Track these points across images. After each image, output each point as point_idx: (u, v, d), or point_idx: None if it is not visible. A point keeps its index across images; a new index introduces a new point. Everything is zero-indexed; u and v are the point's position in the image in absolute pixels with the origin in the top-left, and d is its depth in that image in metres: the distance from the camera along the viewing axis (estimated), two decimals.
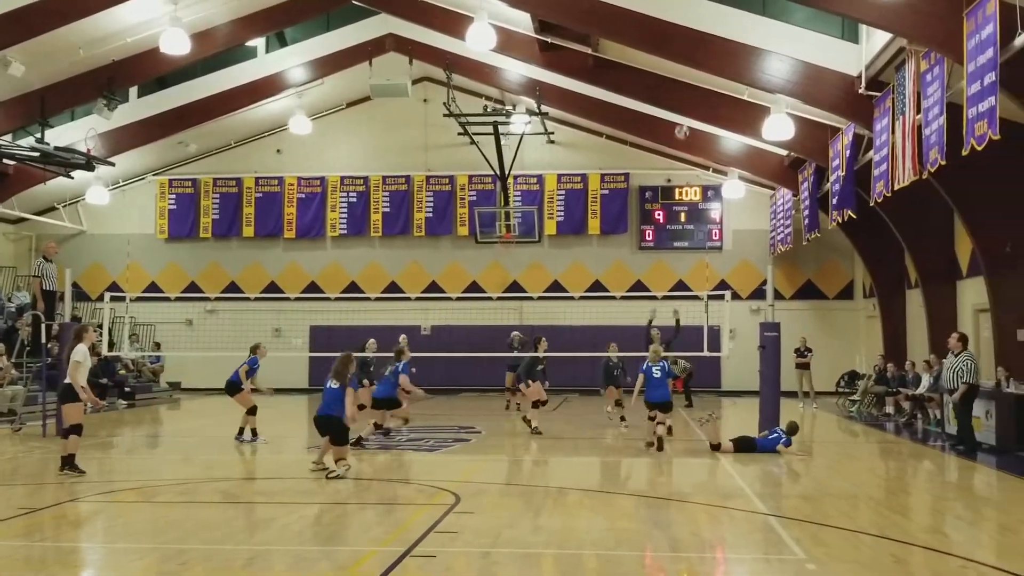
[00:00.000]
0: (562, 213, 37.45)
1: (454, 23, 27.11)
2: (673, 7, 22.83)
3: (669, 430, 19.67)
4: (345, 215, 38.25)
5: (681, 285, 35.73)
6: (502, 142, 31.57)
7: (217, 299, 36.65)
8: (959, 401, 19.22)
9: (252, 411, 20.37)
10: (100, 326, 25.18)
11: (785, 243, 33.13)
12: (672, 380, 19.40)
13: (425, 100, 37.16)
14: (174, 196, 38.88)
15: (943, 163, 17.03)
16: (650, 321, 23.29)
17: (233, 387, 20.59)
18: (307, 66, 33.39)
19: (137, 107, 32.76)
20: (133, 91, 32.39)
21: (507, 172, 32.77)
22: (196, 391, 36.07)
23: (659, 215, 37.27)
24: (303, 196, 38.41)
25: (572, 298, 35.17)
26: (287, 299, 36.21)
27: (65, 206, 37.95)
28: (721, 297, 24.19)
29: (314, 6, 30.04)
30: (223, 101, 33.37)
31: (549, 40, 26.51)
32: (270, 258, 38.59)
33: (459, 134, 32.23)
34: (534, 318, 35.09)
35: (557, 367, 26.01)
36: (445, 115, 29.81)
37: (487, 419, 25.51)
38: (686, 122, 29.94)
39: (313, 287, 37.62)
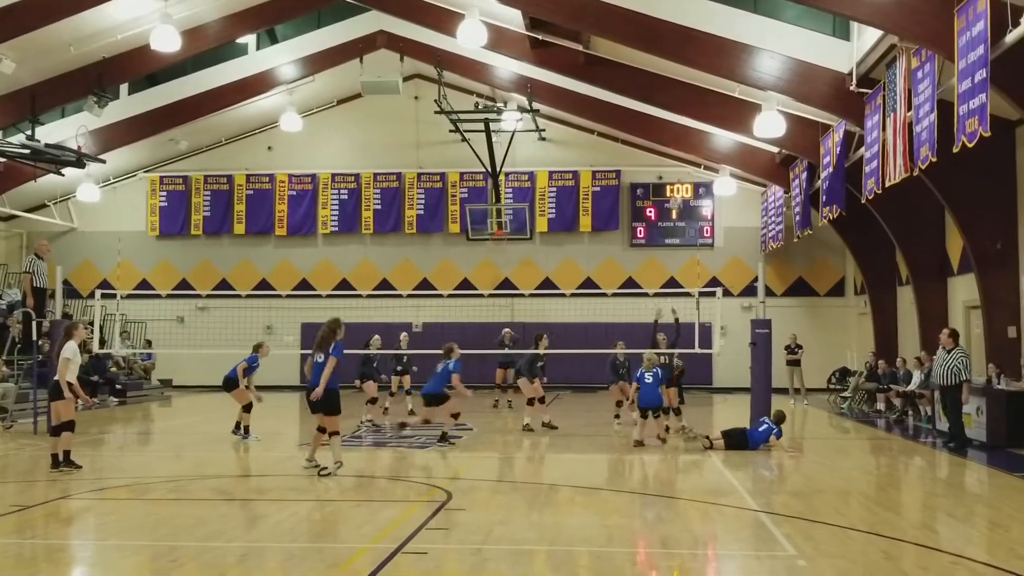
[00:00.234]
0: (553, 210, 37.46)
1: (445, 20, 27.08)
2: (664, 4, 22.81)
3: (667, 428, 19.81)
4: (336, 212, 38.24)
5: (673, 282, 35.75)
6: (493, 139, 31.61)
7: (208, 296, 36.67)
8: (957, 398, 19.15)
9: (247, 408, 20.34)
10: (91, 323, 25.12)
11: (776, 240, 33.16)
12: (665, 386, 19.52)
13: (416, 97, 37.17)
14: (165, 193, 38.84)
15: (934, 160, 17.05)
16: (655, 321, 23.27)
17: (230, 383, 20.55)
18: (298, 63, 33.35)
19: (128, 104, 32.67)
20: (124, 88, 32.28)
21: (498, 169, 32.79)
22: (187, 388, 36.06)
23: (650, 212, 37.29)
24: (294, 193, 38.39)
25: (564, 295, 35.19)
26: (278, 296, 36.21)
27: (56, 203, 37.88)
28: (712, 294, 24.25)
29: (305, 3, 29.95)
30: (214, 98, 33.31)
31: (540, 37, 26.48)
32: (261, 255, 38.56)
33: (450, 131, 32.28)
34: (526, 315, 35.18)
35: (549, 364, 25.99)
36: (436, 112, 29.83)
37: (478, 416, 25.50)
38: (679, 120, 29.93)
39: (304, 284, 37.61)
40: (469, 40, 25.30)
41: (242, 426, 20.25)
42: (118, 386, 30.57)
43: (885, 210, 26.20)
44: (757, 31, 22.77)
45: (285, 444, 20.43)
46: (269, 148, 38.60)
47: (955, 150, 15.71)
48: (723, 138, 30.96)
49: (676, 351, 21.86)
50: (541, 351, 22.75)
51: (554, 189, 37.50)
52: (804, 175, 28.20)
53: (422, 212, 37.96)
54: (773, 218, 33.54)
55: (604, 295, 34.73)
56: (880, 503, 13.49)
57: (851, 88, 21.39)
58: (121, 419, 26.08)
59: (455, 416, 19.86)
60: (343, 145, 38.44)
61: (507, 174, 35.83)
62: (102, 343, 25.97)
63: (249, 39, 32.64)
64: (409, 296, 35.87)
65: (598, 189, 37.36)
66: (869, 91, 20.88)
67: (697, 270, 33.13)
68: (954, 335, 19.55)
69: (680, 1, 22.95)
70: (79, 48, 26.41)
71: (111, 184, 38.29)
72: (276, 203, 38.41)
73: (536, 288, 36.33)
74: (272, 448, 19.36)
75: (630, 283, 36.43)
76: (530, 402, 22.19)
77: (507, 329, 28.96)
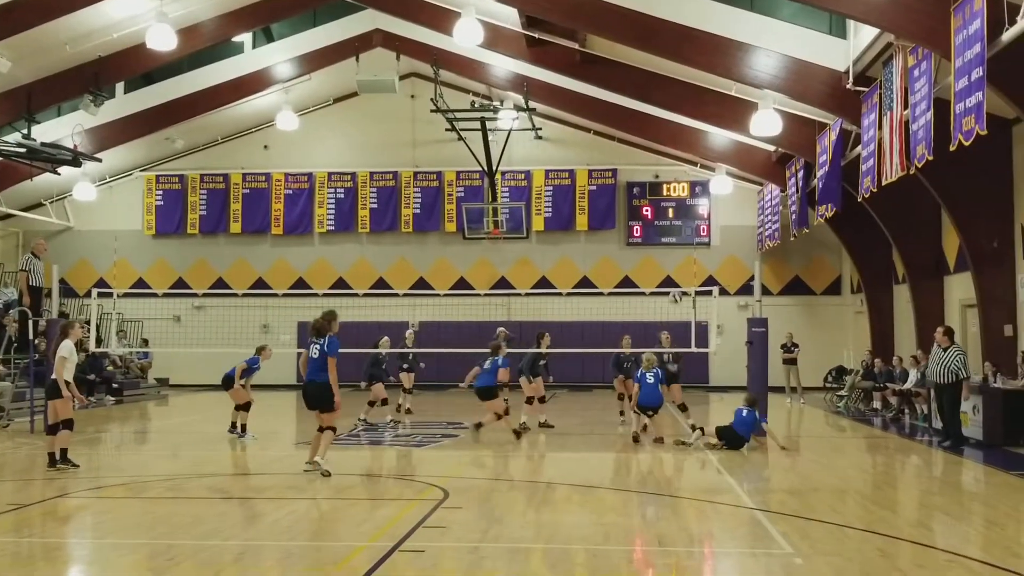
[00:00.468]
0: (550, 209, 37.47)
1: (441, 18, 27.06)
2: (660, 2, 22.81)
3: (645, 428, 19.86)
4: (332, 211, 38.25)
5: (669, 281, 35.75)
6: (490, 138, 31.59)
7: (205, 295, 36.60)
8: (956, 396, 19.12)
9: (245, 407, 20.33)
10: (87, 322, 25.11)
11: (773, 239, 33.17)
12: (664, 385, 19.60)
13: (412, 96, 37.18)
14: (161, 192, 38.83)
15: (930, 158, 17.07)
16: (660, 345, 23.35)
17: (229, 381, 20.56)
18: (294, 62, 33.35)
19: (124, 103, 32.66)
20: (120, 87, 32.31)
21: (495, 168, 32.77)
22: (184, 387, 36.07)
23: (647, 211, 37.30)
24: (290, 192, 38.39)
25: (560, 294, 35.21)
26: (275, 295, 36.21)
27: (52, 202, 37.84)
28: (709, 293, 24.23)
29: (301, 1, 29.95)
30: (210, 97, 33.29)
31: (536, 36, 26.48)
32: (257, 254, 38.56)
33: (447, 130, 32.33)
34: (522, 314, 35.17)
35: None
36: (432, 111, 29.79)
37: (475, 415, 25.47)
38: (675, 118, 29.93)
39: (301, 283, 37.63)
40: (465, 39, 25.29)
41: (238, 425, 20.25)
42: (115, 385, 30.55)
43: (881, 208, 26.21)
44: (753, 29, 22.77)
45: (282, 443, 20.44)
46: (265, 147, 38.60)
47: (951, 148, 15.71)
48: (719, 137, 30.97)
49: (668, 349, 21.87)
50: (543, 350, 22.73)
51: (550, 188, 37.51)
52: (800, 174, 28.22)
53: (418, 211, 37.96)
54: (769, 217, 33.55)
55: (600, 294, 34.70)
56: (876, 501, 13.50)
57: (847, 86, 21.40)
58: (118, 418, 26.07)
59: (499, 415, 20.01)
60: (339, 144, 38.44)
61: (503, 173, 35.81)
62: (99, 342, 25.95)
63: (245, 38, 32.67)
64: (405, 295, 35.87)
65: (594, 188, 37.38)
66: (865, 89, 20.88)
67: (693, 269, 33.17)
68: (949, 333, 19.54)
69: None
70: (75, 47, 26.40)
71: (107, 183, 38.28)
72: (272, 202, 38.41)
73: (532, 287, 36.34)
74: (269, 447, 19.36)
75: (626, 282, 36.45)
76: (528, 401, 22.19)
77: (501, 328, 28.93)
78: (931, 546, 10.31)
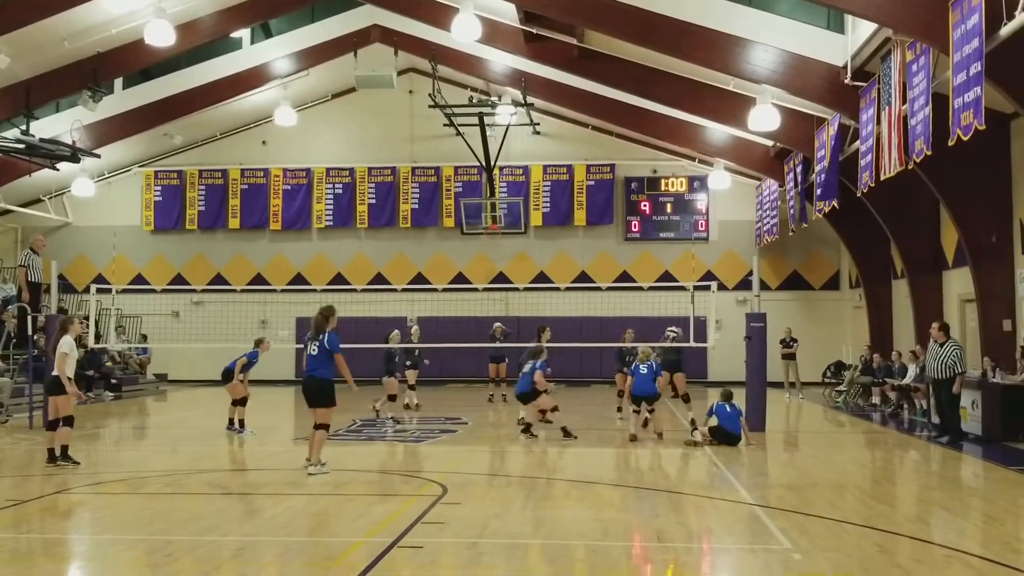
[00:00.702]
0: (548, 204, 37.47)
1: (439, 14, 27.04)
2: None
3: (645, 421, 19.84)
4: (331, 207, 38.25)
5: (667, 276, 35.70)
6: (488, 133, 31.63)
7: (203, 291, 36.59)
8: (954, 391, 19.13)
9: (242, 403, 20.33)
10: (86, 318, 25.09)
11: (771, 234, 33.16)
12: (659, 377, 19.57)
13: (411, 91, 37.14)
14: (160, 188, 38.84)
15: (929, 153, 17.05)
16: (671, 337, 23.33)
17: (229, 375, 20.54)
18: (292, 57, 33.32)
19: (122, 99, 32.60)
20: (118, 83, 32.23)
21: (493, 163, 32.80)
22: (183, 383, 36.09)
23: (645, 206, 37.30)
24: (289, 188, 38.39)
25: (558, 289, 35.19)
26: (273, 291, 36.22)
27: (51, 198, 37.84)
28: (707, 288, 24.23)
29: None
30: (208, 93, 33.27)
31: (534, 31, 26.47)
32: (256, 250, 38.56)
33: (445, 125, 32.30)
34: (520, 310, 35.22)
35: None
36: (431, 106, 29.77)
37: (473, 410, 25.53)
38: (673, 113, 29.92)
39: (299, 279, 37.64)
40: (463, 34, 25.26)
41: (236, 421, 20.26)
42: (113, 381, 30.57)
43: (880, 203, 26.19)
44: (752, 24, 22.74)
45: (280, 438, 20.44)
46: (264, 143, 38.59)
47: (950, 143, 15.69)
48: (717, 132, 30.96)
49: (666, 345, 21.84)
50: (544, 344, 22.69)
51: (548, 183, 37.50)
52: (799, 168, 28.21)
53: (416, 206, 37.96)
54: (768, 212, 33.54)
55: (599, 289, 34.67)
56: (875, 497, 13.52)
57: (846, 81, 21.37)
58: (116, 413, 26.08)
59: (543, 413, 20.01)
60: (337, 139, 38.43)
61: (501, 168, 35.86)
62: (97, 338, 25.94)
63: (243, 33, 32.61)
64: (404, 291, 35.87)
65: (592, 183, 37.37)
66: (864, 84, 20.86)
67: (692, 264, 33.16)
68: (944, 328, 19.55)
69: None
70: (73, 43, 26.37)
71: (106, 179, 38.31)
72: (271, 198, 38.41)
73: (530, 282, 36.30)
74: (267, 442, 19.37)
75: (624, 277, 36.42)
76: None
77: (498, 323, 28.97)
78: (930, 541, 10.31)
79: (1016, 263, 22.17)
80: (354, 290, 35.27)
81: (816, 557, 9.48)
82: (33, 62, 26.92)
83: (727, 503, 12.56)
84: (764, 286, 27.25)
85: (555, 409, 19.93)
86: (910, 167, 18.53)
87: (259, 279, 37.72)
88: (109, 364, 31.37)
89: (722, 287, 32.47)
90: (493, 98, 32.93)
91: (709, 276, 32.34)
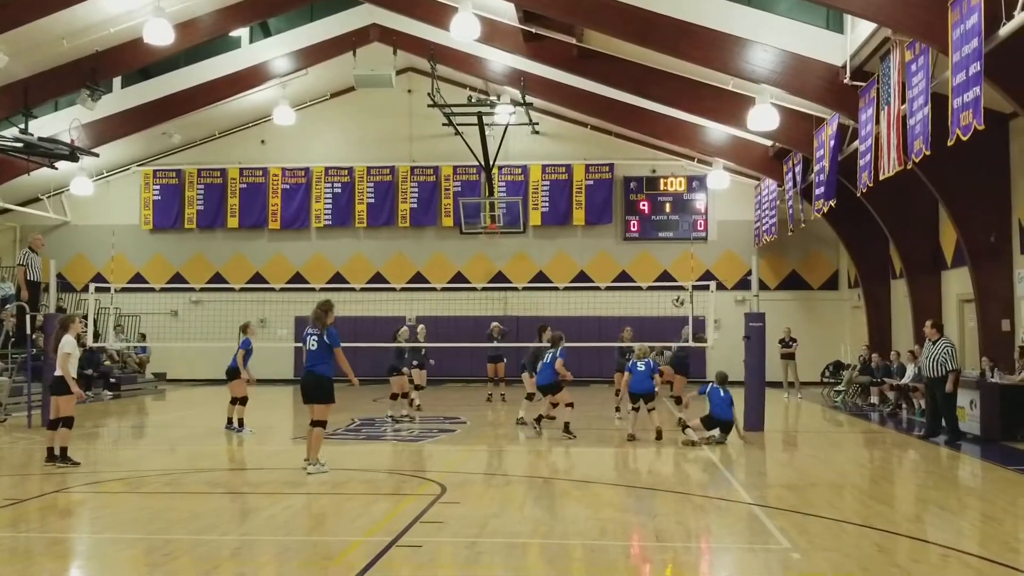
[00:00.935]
0: (547, 204, 37.48)
1: (438, 13, 27.05)
2: None
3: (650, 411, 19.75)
4: (330, 206, 38.25)
5: (666, 276, 35.71)
6: (487, 133, 31.64)
7: (202, 290, 36.56)
8: (947, 390, 19.12)
9: (243, 401, 20.32)
10: (85, 317, 25.09)
11: (770, 233, 33.16)
12: (656, 374, 19.55)
13: (409, 91, 37.15)
14: (158, 187, 38.84)
15: (928, 153, 17.05)
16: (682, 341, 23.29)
17: (233, 373, 20.51)
18: (291, 56, 33.33)
19: (121, 97, 32.59)
20: (117, 82, 32.20)
21: (492, 163, 32.81)
22: (181, 382, 36.09)
23: (644, 206, 37.31)
24: (287, 187, 38.40)
25: (557, 289, 35.20)
26: (272, 290, 36.18)
27: (49, 197, 37.87)
28: (706, 287, 24.24)
29: None
30: (207, 92, 33.27)
31: (533, 30, 26.47)
32: (255, 249, 38.57)
33: (444, 125, 32.32)
34: (519, 309, 35.22)
35: None
36: (430, 106, 29.79)
37: (472, 410, 25.53)
38: (672, 113, 29.92)
39: (298, 278, 37.64)
40: (462, 33, 25.26)
41: (234, 420, 20.25)
42: (112, 380, 30.58)
43: (879, 203, 26.21)
44: (751, 24, 22.74)
45: (279, 437, 20.44)
46: (262, 142, 38.60)
47: (949, 143, 15.69)
48: (716, 131, 30.97)
49: (664, 344, 21.85)
50: (545, 343, 22.65)
51: (547, 182, 37.51)
52: (798, 168, 28.21)
53: (415, 206, 37.97)
54: (767, 211, 33.54)
55: (597, 289, 34.66)
56: (874, 496, 13.52)
57: (845, 81, 21.37)
58: (115, 413, 26.06)
59: (570, 406, 19.80)
60: (336, 139, 38.44)
61: (500, 168, 35.90)
62: (96, 337, 25.93)
63: (242, 32, 32.61)
64: (403, 290, 35.87)
65: (591, 183, 37.38)
66: (863, 84, 20.86)
67: (690, 264, 33.19)
68: (937, 326, 19.58)
69: None
70: (72, 41, 26.36)
71: (104, 178, 38.31)
72: (269, 197, 38.42)
73: (529, 282, 36.29)
74: (266, 442, 19.37)
75: (623, 277, 36.43)
76: (529, 396, 22.16)
77: (495, 323, 28.95)
78: (928, 541, 10.32)
79: (1015, 263, 22.18)
80: (353, 289, 35.26)
81: (815, 557, 9.48)
82: (32, 61, 26.90)
83: (726, 502, 12.56)
84: (763, 286, 27.29)
85: (570, 405, 19.81)
86: (909, 167, 18.53)
87: (258, 278, 37.70)
88: (108, 363, 31.38)
89: (721, 287, 32.48)
90: (492, 97, 32.97)
91: (708, 276, 32.37)
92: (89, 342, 25.23)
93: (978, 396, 19.43)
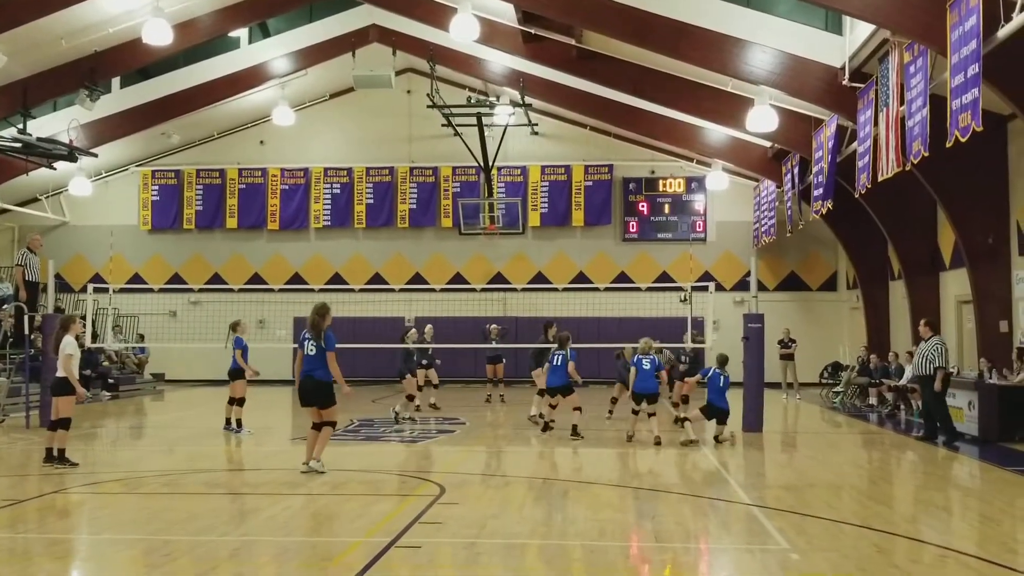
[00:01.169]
0: (546, 205, 37.50)
1: (437, 14, 27.06)
2: None
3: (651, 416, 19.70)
4: (329, 207, 38.26)
5: (665, 276, 35.74)
6: (486, 133, 31.66)
7: (201, 291, 36.57)
8: (936, 388, 19.09)
9: (240, 402, 20.31)
10: (83, 317, 25.08)
11: (769, 234, 33.17)
12: (659, 372, 19.43)
13: (409, 91, 37.17)
14: (157, 187, 38.84)
15: (926, 155, 17.07)
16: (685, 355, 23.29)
17: (236, 374, 20.49)
18: (290, 57, 33.34)
19: (120, 98, 32.60)
20: (116, 82, 32.22)
21: (491, 163, 32.82)
22: (180, 382, 36.08)
23: (643, 207, 37.32)
24: (286, 187, 38.40)
25: (556, 290, 35.21)
26: (271, 290, 36.22)
27: (48, 197, 37.86)
28: (705, 288, 24.28)
29: None
30: (206, 92, 33.29)
31: (533, 31, 26.48)
32: (254, 250, 38.57)
33: (443, 125, 32.32)
34: (518, 310, 35.25)
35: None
36: (429, 106, 29.78)
37: (471, 410, 25.53)
38: (671, 114, 29.93)
39: (297, 279, 37.64)
40: (461, 34, 25.27)
41: (233, 421, 20.25)
42: (111, 380, 30.57)
43: (877, 204, 26.22)
44: (749, 25, 22.76)
45: (277, 438, 20.43)
46: (261, 142, 38.61)
47: (948, 145, 15.71)
48: (715, 132, 30.98)
49: (664, 344, 21.85)
50: (550, 341, 22.63)
51: (546, 183, 37.52)
52: (796, 169, 28.23)
53: (414, 206, 37.98)
54: (765, 212, 33.56)
55: (596, 289, 34.70)
56: (872, 497, 13.52)
57: (843, 82, 21.39)
58: (114, 413, 26.06)
59: (578, 410, 19.64)
60: (335, 139, 38.44)
61: (499, 168, 35.90)
62: (95, 337, 25.92)
63: (241, 33, 32.63)
64: (401, 291, 35.88)
65: (590, 183, 37.39)
66: (861, 85, 20.88)
67: (689, 265, 33.20)
68: (930, 324, 19.58)
69: None
70: (71, 41, 26.37)
71: (103, 178, 38.32)
72: (268, 197, 38.42)
73: (528, 283, 36.32)
74: (264, 442, 19.35)
75: (622, 277, 36.44)
76: (541, 392, 22.09)
77: (493, 324, 28.96)
78: (927, 542, 10.32)
79: (1013, 264, 22.19)
80: (352, 290, 35.30)
81: (814, 557, 9.48)
82: (30, 61, 26.91)
83: (725, 503, 12.56)
84: (762, 287, 27.31)
85: (578, 409, 19.67)
86: (907, 168, 18.55)
87: (257, 279, 37.70)
88: (106, 364, 31.37)
89: (720, 288, 32.48)
90: (491, 98, 32.95)
91: (707, 277, 32.39)
92: (88, 343, 25.19)
93: (976, 397, 19.43)
